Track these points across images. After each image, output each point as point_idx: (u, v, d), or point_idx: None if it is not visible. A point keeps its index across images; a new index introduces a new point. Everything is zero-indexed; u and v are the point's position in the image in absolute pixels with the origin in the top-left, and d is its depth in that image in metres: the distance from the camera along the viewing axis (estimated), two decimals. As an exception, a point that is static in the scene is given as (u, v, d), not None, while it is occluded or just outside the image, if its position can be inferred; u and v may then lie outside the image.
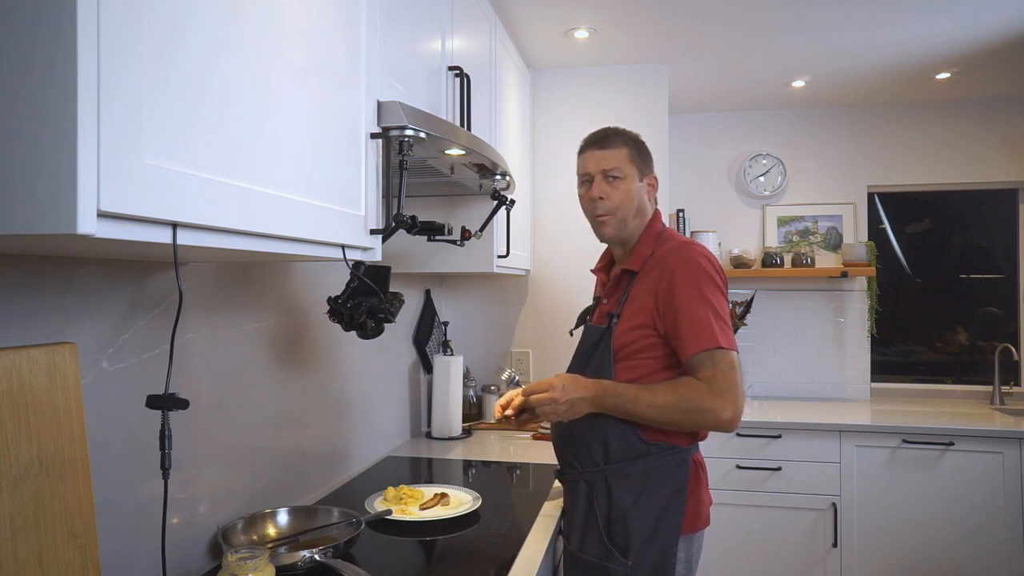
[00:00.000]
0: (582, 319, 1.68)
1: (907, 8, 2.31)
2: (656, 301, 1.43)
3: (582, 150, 1.59)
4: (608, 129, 1.58)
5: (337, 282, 1.51)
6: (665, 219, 1.65)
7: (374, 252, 1.23)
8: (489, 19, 2.20)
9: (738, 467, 2.88)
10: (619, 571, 1.39)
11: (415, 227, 1.37)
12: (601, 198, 1.53)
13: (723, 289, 1.44)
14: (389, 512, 1.57)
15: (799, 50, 2.71)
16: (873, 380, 3.45)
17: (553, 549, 1.56)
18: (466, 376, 2.73)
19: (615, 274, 1.57)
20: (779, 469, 2.85)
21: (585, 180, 1.57)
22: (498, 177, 1.85)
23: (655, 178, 1.59)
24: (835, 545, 2.80)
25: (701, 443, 1.52)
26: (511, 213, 2.22)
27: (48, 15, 0.58)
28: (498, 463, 2.18)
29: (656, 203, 1.62)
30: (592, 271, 1.73)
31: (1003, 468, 2.68)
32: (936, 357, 3.61)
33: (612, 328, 1.48)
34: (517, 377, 2.83)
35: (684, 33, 2.56)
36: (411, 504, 1.64)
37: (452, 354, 2.56)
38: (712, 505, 1.53)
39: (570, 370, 1.57)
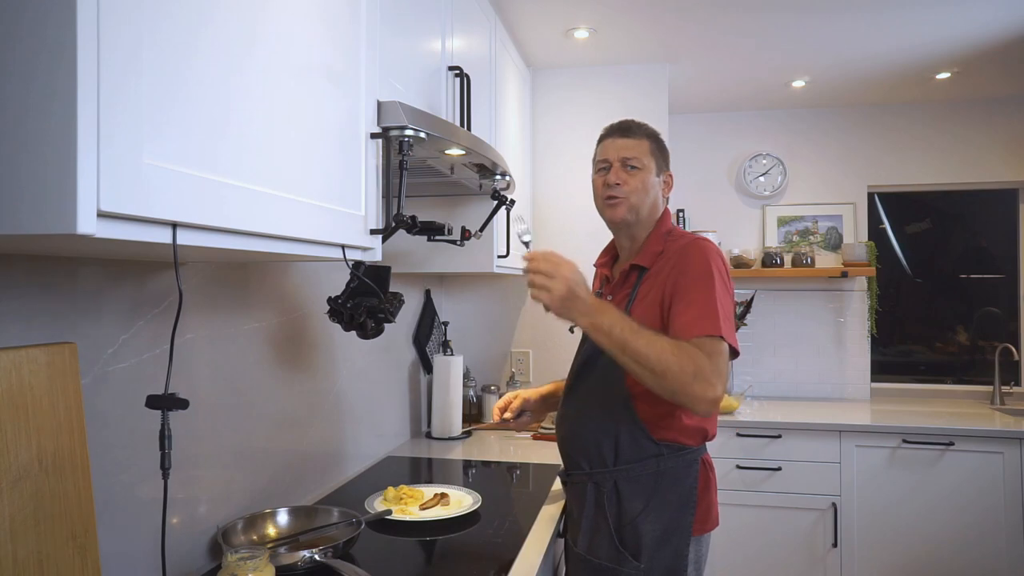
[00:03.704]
0: None
1: (907, 8, 2.31)
2: (663, 296, 1.39)
3: (603, 138, 1.57)
4: (632, 120, 1.58)
5: (337, 282, 1.50)
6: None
7: (374, 252, 1.23)
8: (489, 19, 2.20)
9: (738, 467, 2.88)
10: (632, 574, 1.38)
11: (415, 227, 1.37)
12: (617, 184, 1.49)
13: (730, 291, 1.42)
14: (389, 512, 1.57)
15: (799, 50, 2.71)
16: (873, 380, 3.45)
17: (553, 549, 1.56)
18: (466, 376, 2.73)
19: (623, 270, 1.54)
20: (779, 469, 2.85)
21: (602, 168, 1.54)
22: (498, 177, 1.85)
23: (671, 176, 1.59)
24: (835, 545, 2.80)
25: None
26: (511, 213, 2.22)
27: (47, 16, 0.58)
28: (498, 463, 2.18)
29: (668, 202, 1.60)
30: (595, 265, 1.70)
31: (1003, 468, 2.68)
32: (936, 357, 3.61)
33: None
34: (518, 378, 2.83)
35: (684, 33, 2.55)
36: (411, 504, 1.64)
37: (452, 354, 2.56)
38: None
39: (573, 370, 1.57)
